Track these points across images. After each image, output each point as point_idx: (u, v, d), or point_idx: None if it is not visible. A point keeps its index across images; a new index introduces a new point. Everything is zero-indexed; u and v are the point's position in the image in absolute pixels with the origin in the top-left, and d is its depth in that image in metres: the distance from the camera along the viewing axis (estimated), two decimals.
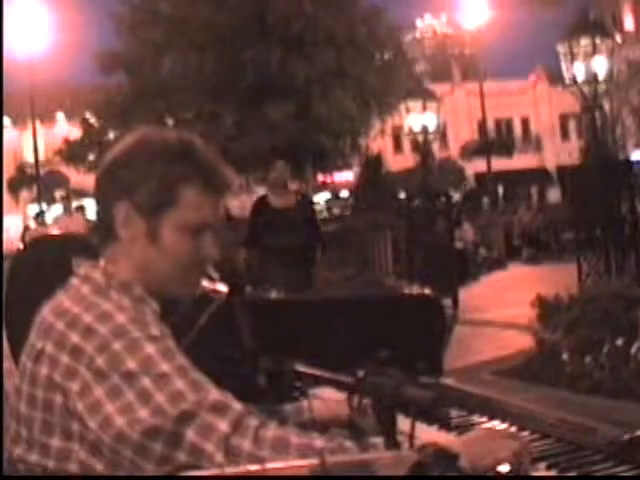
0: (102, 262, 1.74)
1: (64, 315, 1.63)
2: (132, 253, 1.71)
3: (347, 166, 24.11)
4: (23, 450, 1.64)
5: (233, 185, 1.77)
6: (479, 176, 39.96)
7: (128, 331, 1.58)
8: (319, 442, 1.56)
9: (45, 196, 31.10)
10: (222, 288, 1.93)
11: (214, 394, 1.57)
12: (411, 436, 1.49)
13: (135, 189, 1.69)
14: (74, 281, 1.72)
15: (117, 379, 1.54)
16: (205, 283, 1.86)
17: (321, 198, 38.05)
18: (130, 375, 1.54)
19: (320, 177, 24.50)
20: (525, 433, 2.03)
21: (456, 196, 28.90)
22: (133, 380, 1.54)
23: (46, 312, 1.68)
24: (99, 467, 1.57)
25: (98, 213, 1.77)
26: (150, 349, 1.57)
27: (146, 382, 1.54)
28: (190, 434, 1.52)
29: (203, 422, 1.52)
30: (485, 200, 28.63)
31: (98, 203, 1.77)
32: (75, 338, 1.59)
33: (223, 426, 1.52)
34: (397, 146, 38.82)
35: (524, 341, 6.49)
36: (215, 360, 1.76)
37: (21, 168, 38.61)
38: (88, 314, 1.61)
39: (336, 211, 36.46)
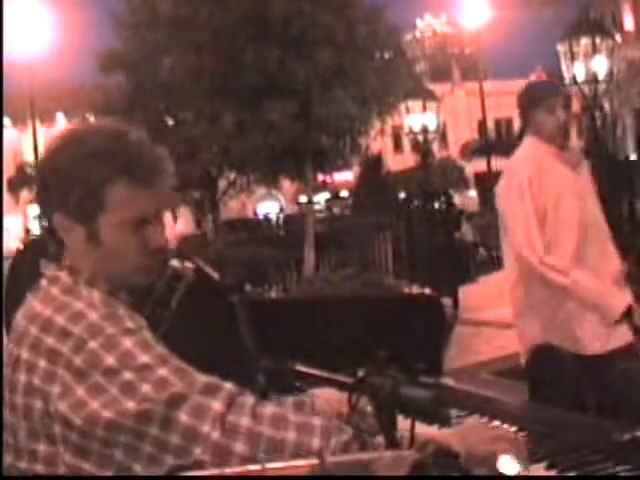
0: (67, 262, 1.73)
1: (36, 319, 1.62)
2: (83, 257, 1.69)
3: (347, 166, 24.10)
4: (12, 458, 1.63)
5: (167, 169, 1.71)
6: (479, 176, 39.98)
7: (103, 328, 1.57)
8: (317, 421, 1.57)
9: None
10: (190, 265, 1.90)
11: (202, 377, 1.56)
12: (411, 436, 1.49)
13: (64, 198, 1.66)
14: (43, 283, 1.70)
15: (98, 377, 1.53)
16: (175, 262, 1.84)
17: (321, 198, 38.05)
18: (111, 371, 1.53)
19: (320, 177, 24.45)
20: (525, 433, 2.03)
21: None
22: (114, 376, 1.53)
23: (19, 317, 1.67)
24: (86, 467, 1.55)
25: (43, 221, 1.74)
26: (127, 343, 1.56)
27: (128, 376, 1.53)
28: (183, 417, 1.51)
29: (195, 404, 1.51)
30: None
31: (41, 211, 1.74)
32: (50, 341, 1.57)
33: (217, 405, 1.52)
34: (397, 146, 38.85)
35: None
36: (215, 360, 1.75)
37: (21, 168, 38.62)
38: (60, 316, 1.60)
39: (336, 211, 36.52)
